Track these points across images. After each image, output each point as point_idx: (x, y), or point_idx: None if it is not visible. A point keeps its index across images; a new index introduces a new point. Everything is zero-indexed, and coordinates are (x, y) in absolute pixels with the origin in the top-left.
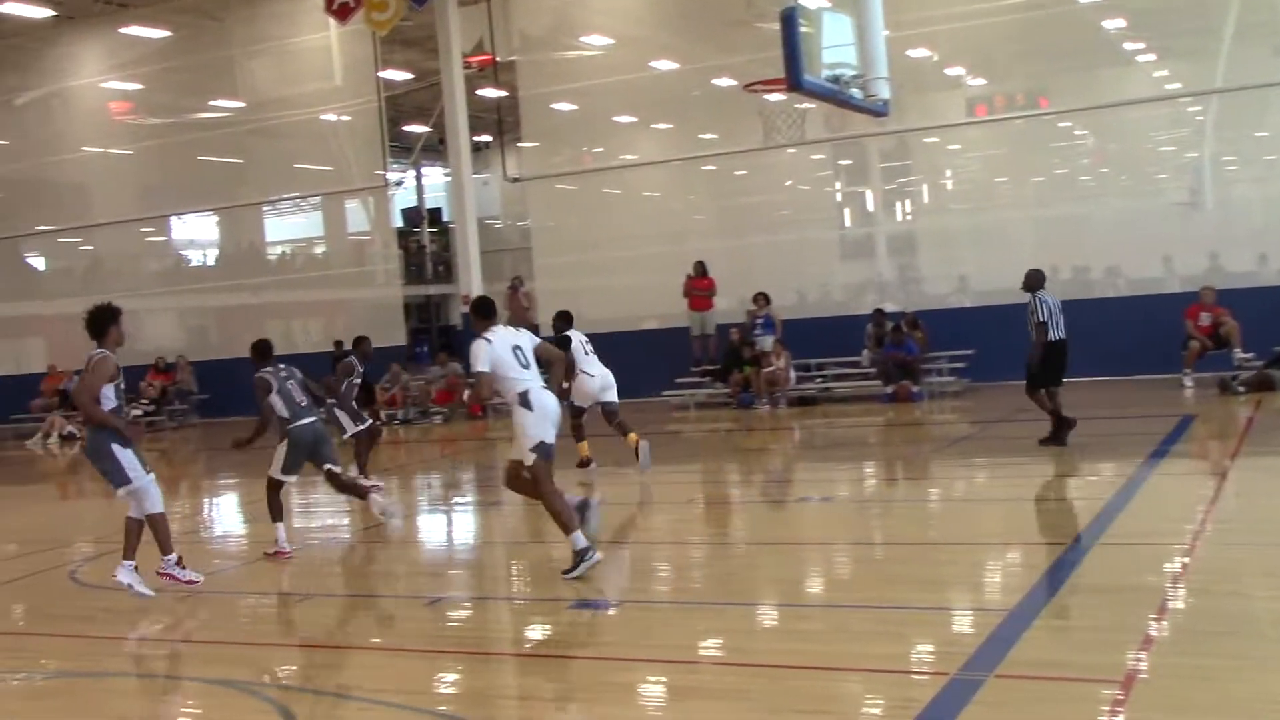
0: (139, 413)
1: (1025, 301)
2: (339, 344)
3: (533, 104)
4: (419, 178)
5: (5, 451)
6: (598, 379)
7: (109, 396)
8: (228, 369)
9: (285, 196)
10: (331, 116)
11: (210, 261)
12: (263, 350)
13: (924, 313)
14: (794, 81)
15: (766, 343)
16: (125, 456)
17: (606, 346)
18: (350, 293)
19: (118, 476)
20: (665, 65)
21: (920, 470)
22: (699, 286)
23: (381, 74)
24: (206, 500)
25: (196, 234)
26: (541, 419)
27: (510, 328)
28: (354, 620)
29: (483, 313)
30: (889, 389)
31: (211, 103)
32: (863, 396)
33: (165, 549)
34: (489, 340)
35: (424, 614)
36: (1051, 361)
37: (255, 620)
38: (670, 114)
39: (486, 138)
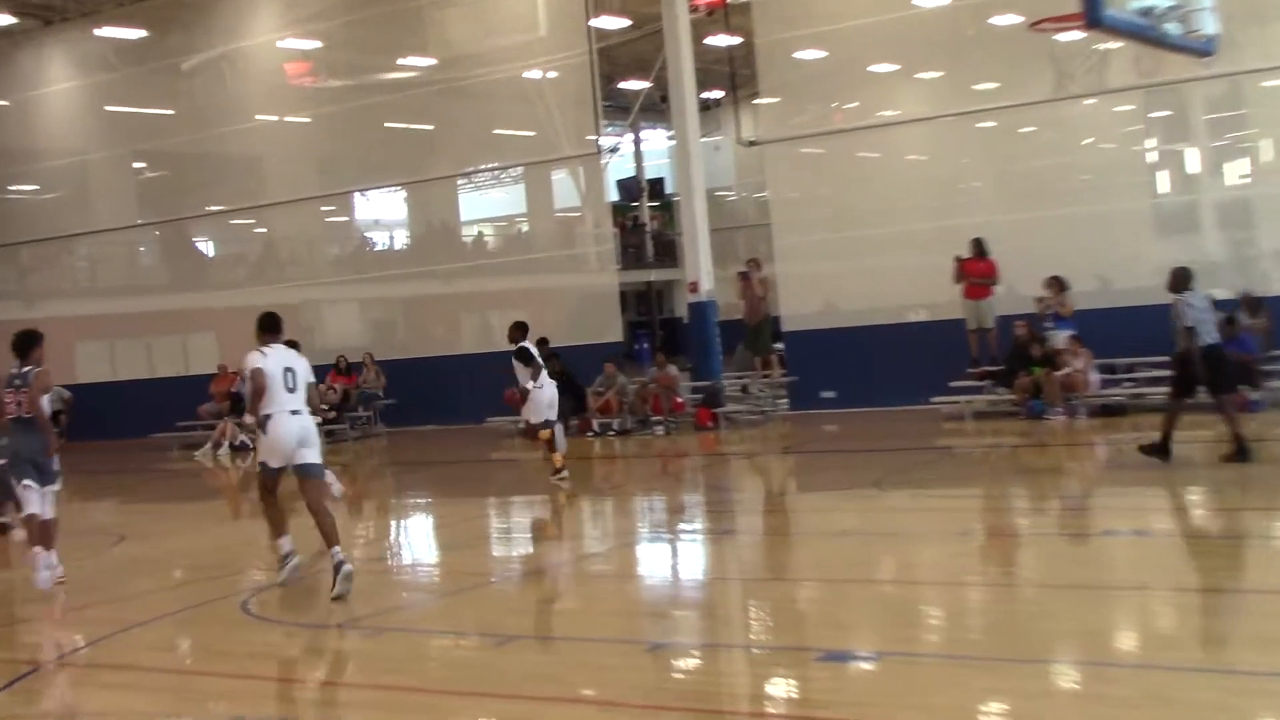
0: (317, 420)
1: None
2: (544, 341)
3: (772, 52)
4: (637, 143)
5: (172, 464)
6: (551, 392)
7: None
8: (416, 370)
9: (483, 168)
10: (536, 73)
11: (397, 244)
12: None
13: (1268, 300)
14: (1092, 17)
15: (1060, 339)
16: None
17: (862, 343)
18: (557, 279)
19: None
20: (933, 1)
21: (1263, 496)
22: (975, 271)
23: (594, 22)
24: (395, 522)
25: (382, 213)
26: (272, 447)
27: (292, 351)
28: (561, 667)
29: (266, 327)
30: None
31: (399, 61)
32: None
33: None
34: (264, 353)
35: (643, 661)
36: (1203, 370)
37: (448, 665)
38: (939, 60)
39: (717, 94)
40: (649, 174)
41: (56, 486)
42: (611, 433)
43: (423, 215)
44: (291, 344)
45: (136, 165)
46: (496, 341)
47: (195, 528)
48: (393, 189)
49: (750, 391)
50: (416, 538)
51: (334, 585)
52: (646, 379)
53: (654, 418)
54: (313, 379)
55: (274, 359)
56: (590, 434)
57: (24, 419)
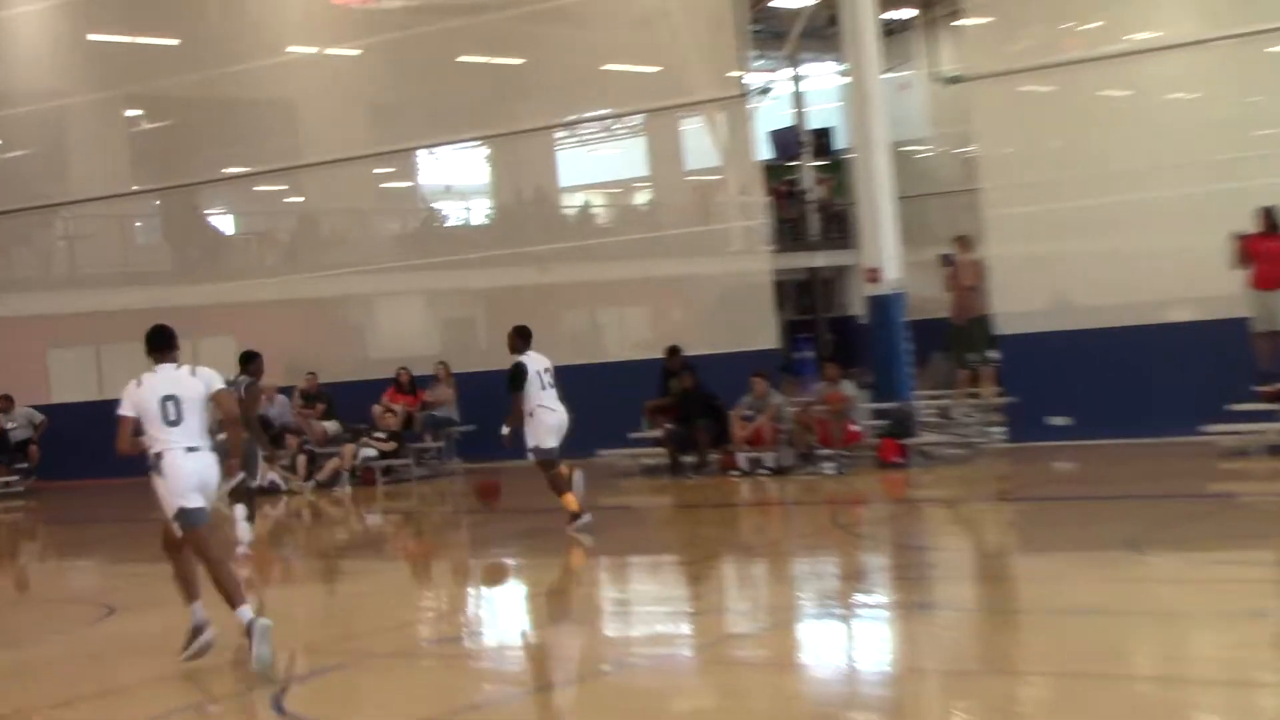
0: (372, 452)
1: None
2: (674, 351)
3: None
4: (797, 82)
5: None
6: (558, 414)
7: None
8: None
9: (588, 116)
10: None
11: (476, 219)
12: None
13: None
14: None
15: None
16: None
17: (1107, 351)
18: (689, 265)
19: None
20: None
21: None
22: (1266, 252)
23: None
24: (473, 589)
25: (455, 177)
26: (176, 487)
27: (185, 370)
28: None
29: (155, 343)
30: None
31: None
32: None
33: None
34: (138, 381)
35: None
36: None
37: None
38: None
39: (906, 13)
40: (813, 123)
41: None
42: (763, 471)
43: (510, 180)
44: (247, 358)
45: (130, 113)
46: (608, 348)
47: (206, 594)
48: (469, 145)
49: (953, 417)
50: (503, 610)
51: (251, 652)
52: (810, 399)
53: (821, 451)
54: (218, 386)
55: (149, 388)
56: (734, 473)
57: None
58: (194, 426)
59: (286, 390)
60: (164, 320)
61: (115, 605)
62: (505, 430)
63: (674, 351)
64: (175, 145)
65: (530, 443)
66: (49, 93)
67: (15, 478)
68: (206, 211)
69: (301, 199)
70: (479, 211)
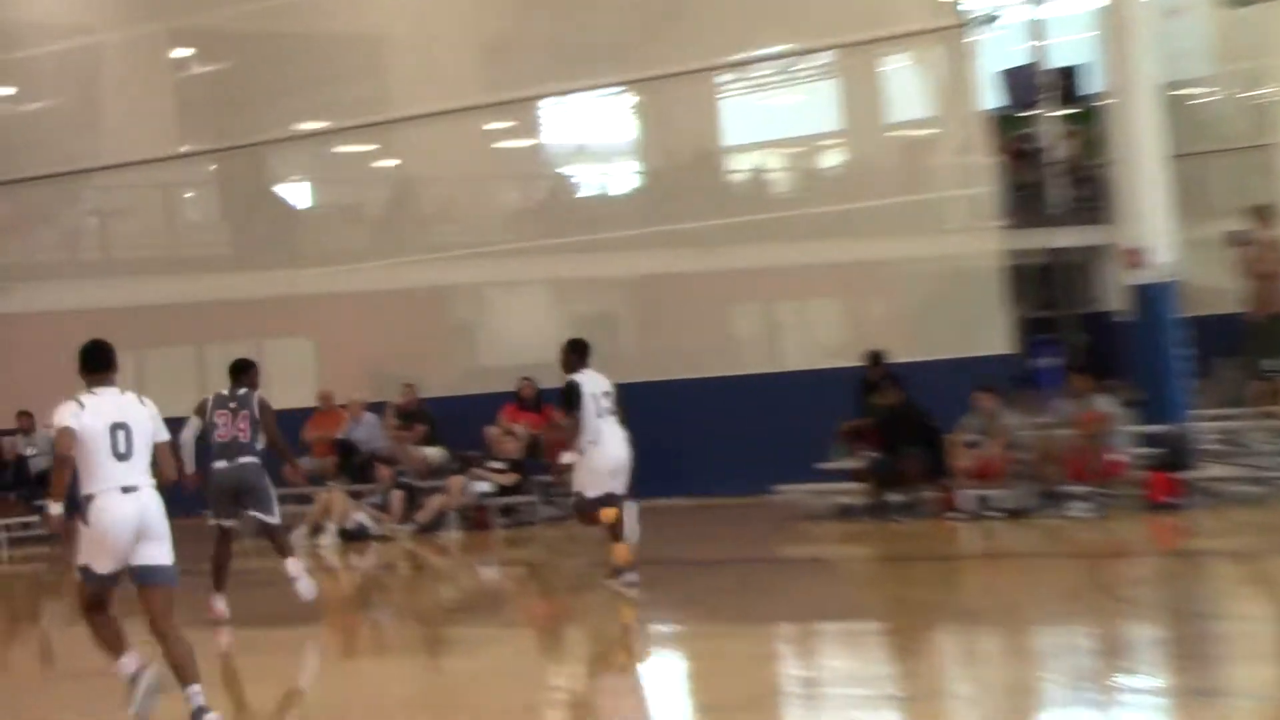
0: (487, 486)
1: None
2: (876, 358)
3: None
4: (1034, 7)
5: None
6: (613, 454)
7: None
8: (655, 402)
9: (762, 55)
10: None
11: (615, 188)
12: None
13: None
14: None
15: None
16: None
17: None
18: (894, 247)
19: None
20: None
21: None
22: None
23: None
24: (622, 660)
25: (589, 133)
26: (98, 541)
27: (131, 397)
28: None
29: (91, 362)
30: None
31: None
32: None
33: None
34: (81, 404)
35: None
36: None
37: None
38: None
39: None
40: (1055, 61)
41: None
42: (994, 513)
43: (661, 137)
44: (242, 367)
45: (177, 54)
46: (791, 354)
47: (289, 671)
48: (609, 92)
49: (1246, 443)
50: (655, 694)
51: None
52: (1055, 420)
53: (1070, 488)
54: (165, 436)
55: (97, 412)
56: (955, 515)
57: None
58: (142, 465)
59: (376, 407)
60: (224, 317)
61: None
62: (567, 458)
63: (876, 359)
64: (234, 94)
65: (574, 485)
66: (75, 28)
67: (36, 518)
68: (275, 180)
69: (395, 163)
70: (621, 178)
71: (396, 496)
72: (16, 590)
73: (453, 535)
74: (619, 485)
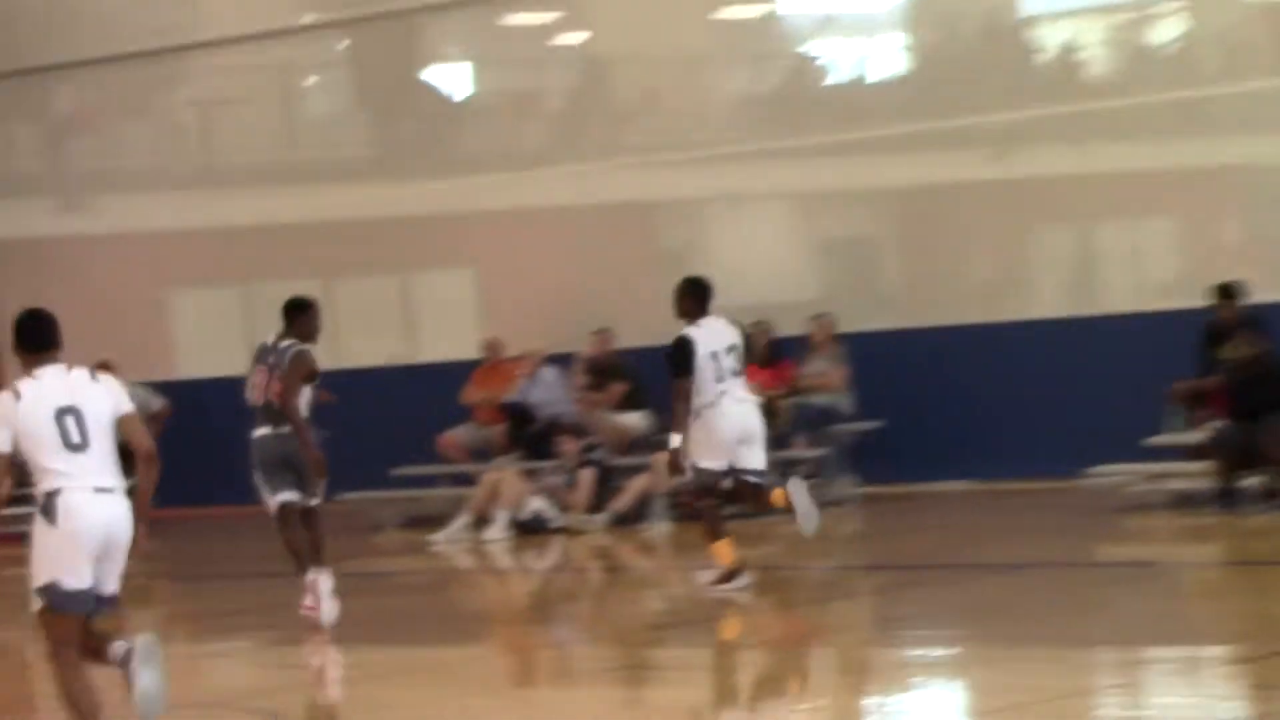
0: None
1: None
2: (1227, 294)
3: None
4: None
5: (385, 558)
6: (736, 420)
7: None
8: (920, 347)
9: None
10: None
11: (875, 73)
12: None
13: None
14: None
15: None
16: None
17: None
18: (1254, 148)
19: None
20: None
21: None
22: None
23: None
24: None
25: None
26: (64, 543)
27: (80, 374)
28: None
29: (28, 338)
30: None
31: None
32: None
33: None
34: (15, 394)
35: None
36: None
37: None
38: None
39: None
40: None
41: None
42: None
43: (935, 2)
44: (295, 307)
45: None
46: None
47: (441, 704)
48: None
49: None
50: None
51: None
52: None
53: None
54: (128, 408)
55: (35, 398)
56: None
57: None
58: (104, 453)
59: (559, 361)
60: (363, 242)
61: (287, 715)
62: (675, 442)
63: (1227, 295)
64: None
65: (690, 457)
66: None
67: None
68: (421, 63)
69: (582, 38)
70: (884, 59)
71: (585, 477)
72: None
73: (659, 528)
74: (753, 458)
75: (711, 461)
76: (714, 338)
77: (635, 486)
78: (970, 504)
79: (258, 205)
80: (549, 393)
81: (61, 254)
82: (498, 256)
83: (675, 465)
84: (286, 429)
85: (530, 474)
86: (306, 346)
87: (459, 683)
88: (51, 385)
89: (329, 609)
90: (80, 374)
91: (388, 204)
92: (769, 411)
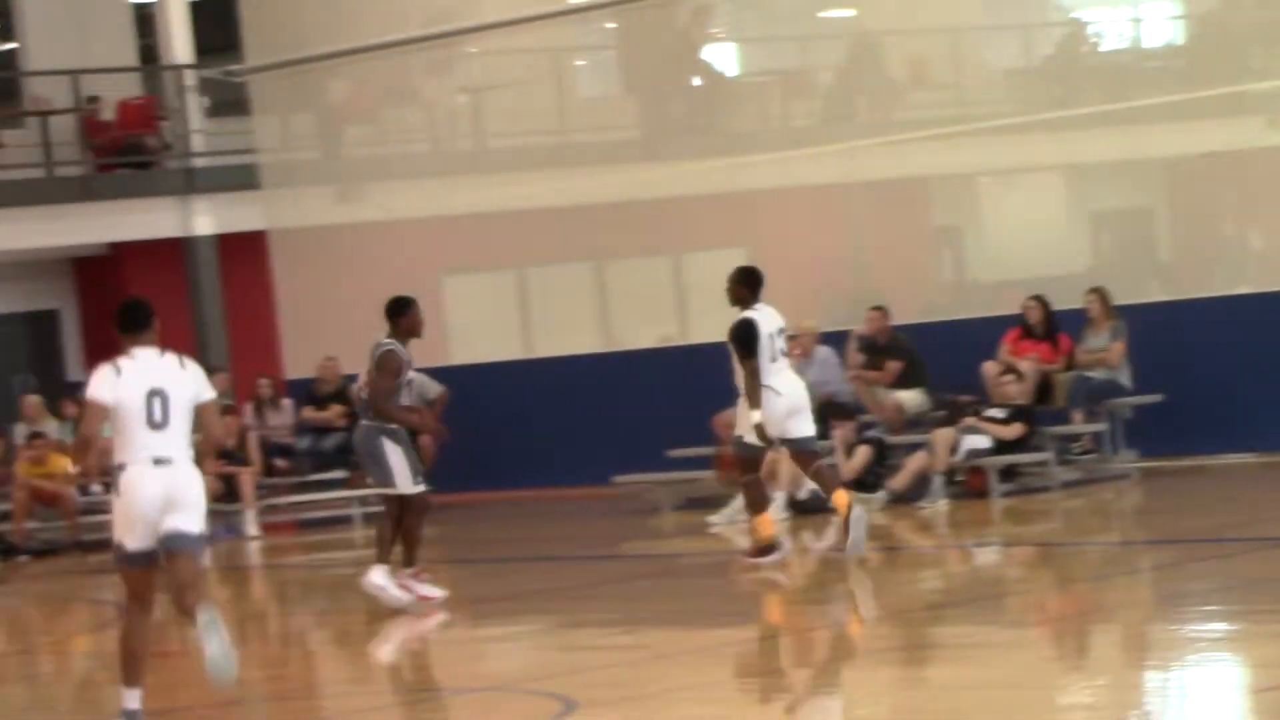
0: (984, 441)
1: None
2: None
3: None
4: None
5: (658, 539)
6: (786, 398)
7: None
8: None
9: None
10: None
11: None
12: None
13: None
14: None
15: None
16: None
17: None
18: None
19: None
20: None
21: None
22: None
23: None
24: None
25: None
26: (126, 515)
27: (171, 359)
28: None
29: (128, 322)
30: None
31: None
32: None
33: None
34: (117, 369)
35: None
36: None
37: None
38: None
39: None
40: None
41: None
42: None
43: None
44: (393, 309)
45: None
46: None
47: (712, 687)
48: None
49: None
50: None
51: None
52: None
53: None
54: (209, 396)
55: (131, 379)
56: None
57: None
58: (179, 431)
59: (833, 339)
60: (630, 222)
61: (574, 698)
62: (757, 417)
63: None
64: None
65: (737, 429)
66: None
67: None
68: (695, 40)
69: (851, 11)
70: (1162, 24)
71: (861, 455)
72: None
73: (938, 506)
74: (802, 427)
75: (758, 436)
76: (768, 321)
77: (913, 464)
78: (1253, 477)
79: (529, 189)
80: (824, 371)
81: (338, 241)
82: (769, 235)
83: (765, 437)
84: (362, 421)
85: (804, 455)
86: (394, 346)
87: (739, 664)
88: (146, 367)
89: (394, 596)
90: (171, 359)
91: (658, 185)
92: (1045, 386)
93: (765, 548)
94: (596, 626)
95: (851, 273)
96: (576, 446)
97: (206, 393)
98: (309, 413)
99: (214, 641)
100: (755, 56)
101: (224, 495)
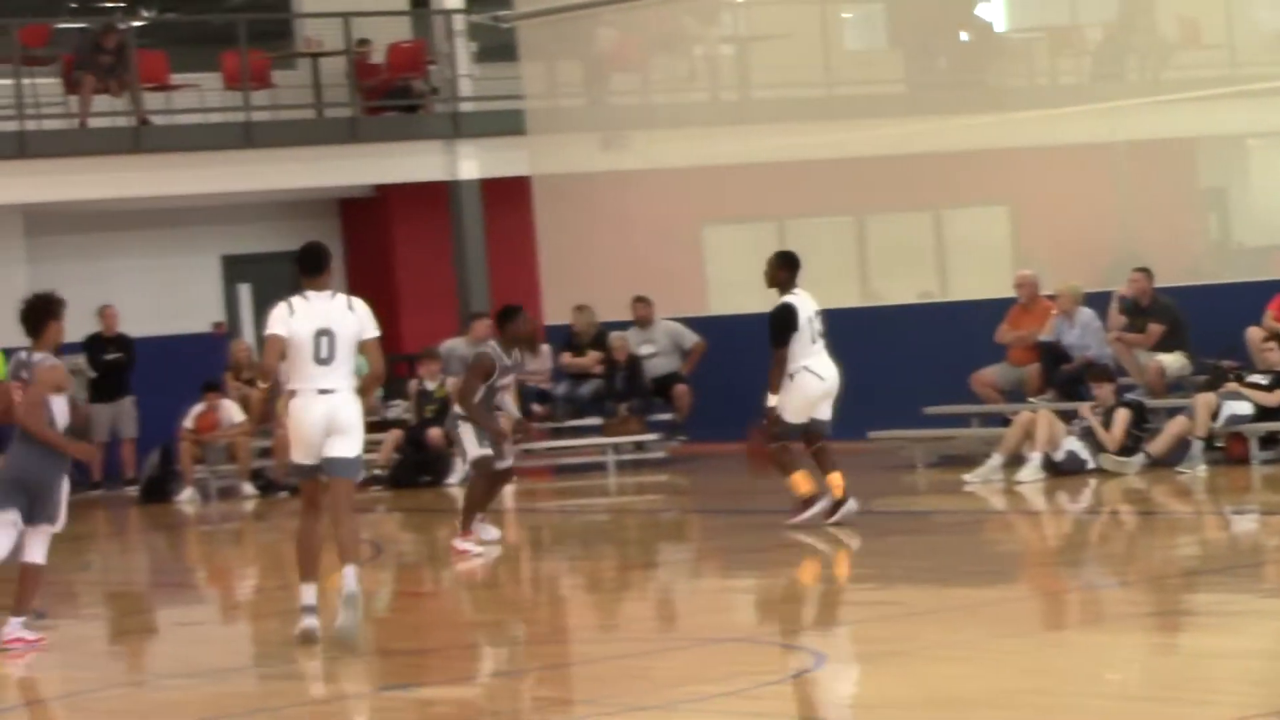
0: (1245, 408)
1: None
2: None
3: None
4: None
5: (918, 500)
6: (827, 382)
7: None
8: None
9: None
10: None
11: None
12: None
13: None
14: None
15: None
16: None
17: None
18: None
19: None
20: None
21: None
22: None
23: None
24: None
25: None
26: (296, 434)
27: (341, 301)
28: None
29: (307, 264)
30: None
31: None
32: None
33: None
34: (290, 308)
35: None
36: None
37: None
38: None
39: None
40: None
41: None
42: None
43: None
44: (508, 316)
45: None
46: None
47: (974, 643)
48: None
49: None
50: None
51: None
52: None
53: None
54: (373, 334)
55: (304, 317)
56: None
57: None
58: (342, 366)
59: (1095, 300)
60: (893, 177)
61: (824, 651)
62: (773, 402)
63: None
64: None
65: (787, 415)
66: None
67: (655, 435)
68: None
69: None
70: None
71: (1120, 418)
72: (630, 530)
73: (1197, 471)
74: (826, 410)
75: (796, 417)
76: (806, 306)
77: (1172, 429)
78: None
79: (792, 141)
80: (1084, 334)
81: (602, 189)
82: (1033, 194)
83: (775, 422)
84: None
85: (1064, 415)
86: (489, 350)
87: (992, 623)
88: (316, 308)
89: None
90: (340, 301)
91: (922, 140)
92: None
93: (811, 497)
94: (849, 581)
95: (1115, 234)
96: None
97: (370, 331)
98: (567, 359)
99: (349, 615)
100: (1024, 12)
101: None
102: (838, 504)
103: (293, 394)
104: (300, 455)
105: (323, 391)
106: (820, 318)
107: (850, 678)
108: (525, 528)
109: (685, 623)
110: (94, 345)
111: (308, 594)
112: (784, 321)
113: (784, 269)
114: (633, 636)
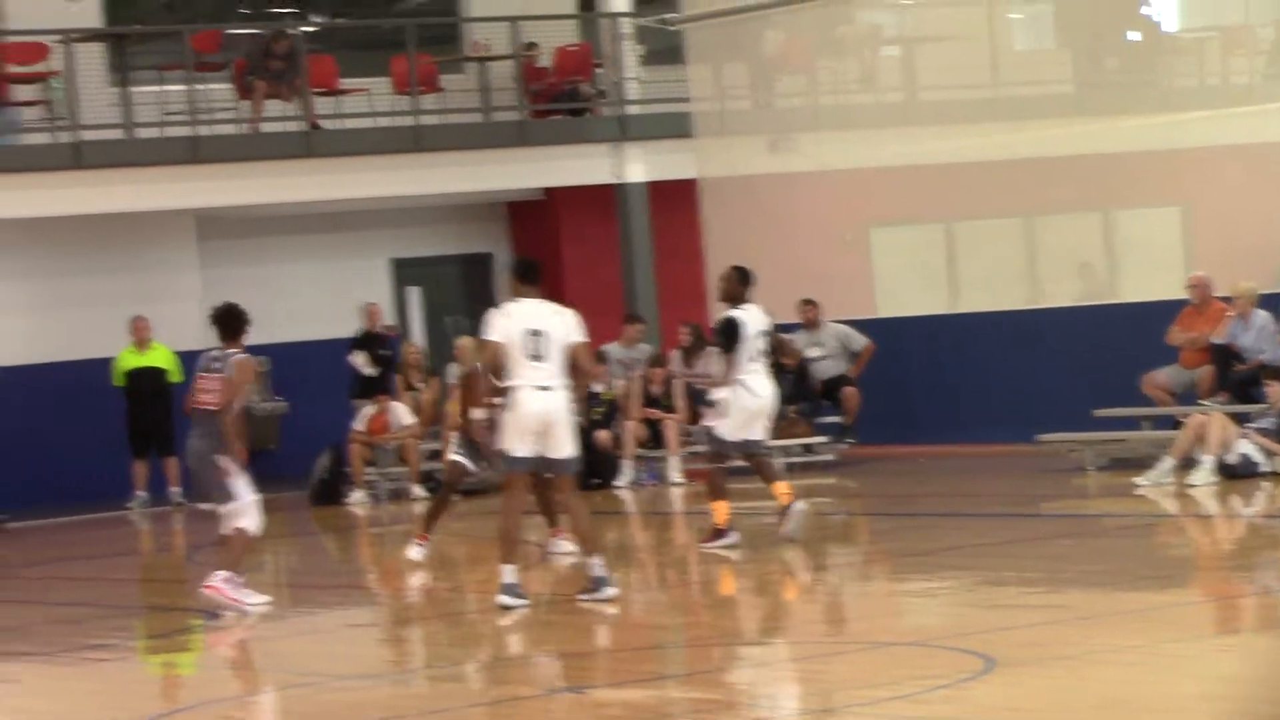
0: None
1: None
2: None
3: None
4: None
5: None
6: (761, 399)
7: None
8: None
9: None
10: None
11: None
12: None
13: None
14: None
15: None
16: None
17: None
18: None
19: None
20: None
21: None
22: None
23: None
24: None
25: None
26: (517, 425)
27: (550, 306)
28: None
29: (522, 274)
30: None
31: None
32: None
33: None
34: (506, 313)
35: None
36: None
37: None
38: None
39: None
40: None
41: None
42: None
43: None
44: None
45: None
46: None
47: (1143, 647)
48: None
49: None
50: None
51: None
52: None
53: None
54: (579, 338)
55: (518, 319)
56: None
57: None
58: (554, 364)
59: (1272, 301)
60: (1062, 177)
61: (994, 655)
62: (714, 397)
63: None
64: None
65: (710, 423)
66: None
67: (823, 438)
68: None
69: None
70: None
71: None
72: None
73: None
74: (759, 430)
75: (730, 434)
76: (754, 321)
77: None
78: None
79: (959, 143)
80: (1259, 335)
81: (767, 191)
82: (1205, 194)
83: (711, 440)
84: None
85: (1237, 418)
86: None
87: (1163, 628)
88: (529, 310)
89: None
90: (550, 306)
91: (1091, 140)
92: None
93: (720, 531)
94: (1017, 585)
95: None
96: (1000, 403)
97: (576, 335)
98: None
99: (606, 590)
100: (1196, 11)
101: (649, 441)
102: (785, 509)
103: (511, 390)
104: (517, 447)
105: (540, 389)
106: (766, 337)
107: (1019, 682)
108: (694, 530)
109: (854, 626)
110: (368, 342)
111: (508, 574)
112: (726, 335)
113: (741, 284)
114: (802, 640)
